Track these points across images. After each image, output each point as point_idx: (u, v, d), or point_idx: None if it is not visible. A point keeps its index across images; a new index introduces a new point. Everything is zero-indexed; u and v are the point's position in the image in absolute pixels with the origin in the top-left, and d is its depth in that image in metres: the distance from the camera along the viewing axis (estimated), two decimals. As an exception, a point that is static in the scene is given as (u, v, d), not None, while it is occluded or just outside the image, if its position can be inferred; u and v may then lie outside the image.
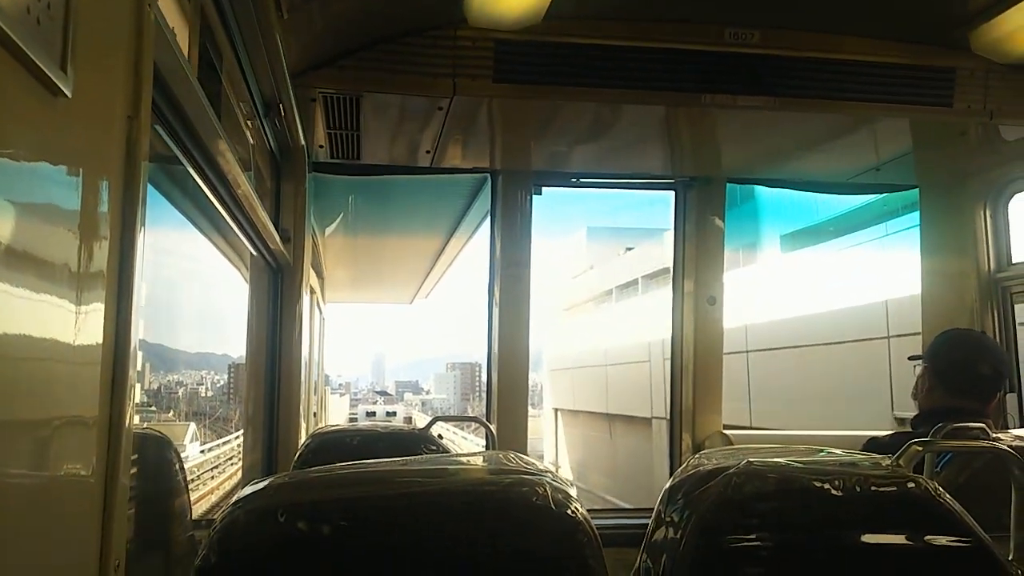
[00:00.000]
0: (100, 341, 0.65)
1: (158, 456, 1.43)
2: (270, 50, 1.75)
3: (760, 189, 3.29)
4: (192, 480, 3.05)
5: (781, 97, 2.38)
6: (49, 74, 0.52)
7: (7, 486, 0.50)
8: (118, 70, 0.69)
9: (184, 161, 1.35)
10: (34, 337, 0.54)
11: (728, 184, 3.22)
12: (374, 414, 26.52)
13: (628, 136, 2.81)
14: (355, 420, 24.19)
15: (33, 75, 0.51)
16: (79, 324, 0.61)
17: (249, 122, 2.09)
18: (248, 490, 0.90)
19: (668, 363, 3.24)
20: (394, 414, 26.95)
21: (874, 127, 2.63)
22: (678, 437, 3.21)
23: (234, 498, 0.89)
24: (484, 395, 3.27)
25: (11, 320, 0.51)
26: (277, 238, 2.26)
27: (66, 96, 0.55)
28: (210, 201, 1.61)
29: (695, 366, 3.17)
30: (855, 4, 2.28)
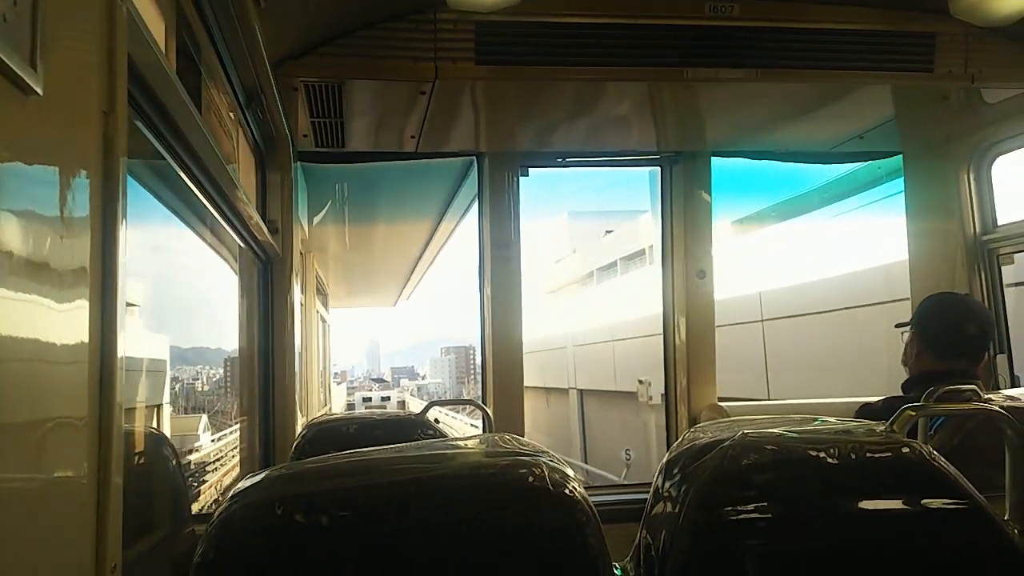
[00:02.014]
0: (86, 340, 0.64)
1: (153, 453, 1.43)
2: (249, 40, 1.73)
3: (716, 176, 3.29)
4: (219, 459, 3.09)
5: (763, 68, 2.37)
6: (19, 72, 0.51)
7: None
8: (91, 66, 0.67)
9: (166, 155, 1.33)
10: (18, 339, 0.54)
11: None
12: (370, 399, 28.44)
13: (612, 113, 2.80)
14: (352, 406, 25.22)
15: (2, 73, 0.50)
16: (63, 324, 0.61)
17: (231, 113, 2.07)
18: (244, 484, 0.90)
19: (578, 350, 3.25)
20: (388, 399, 29.08)
21: (856, 95, 2.63)
22: (674, 411, 3.23)
23: (231, 493, 0.89)
24: (479, 378, 3.28)
25: None
26: (265, 229, 2.24)
27: (38, 94, 0.54)
28: (195, 195, 1.60)
29: (688, 341, 3.19)
30: None
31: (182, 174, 1.43)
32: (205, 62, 1.73)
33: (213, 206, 1.72)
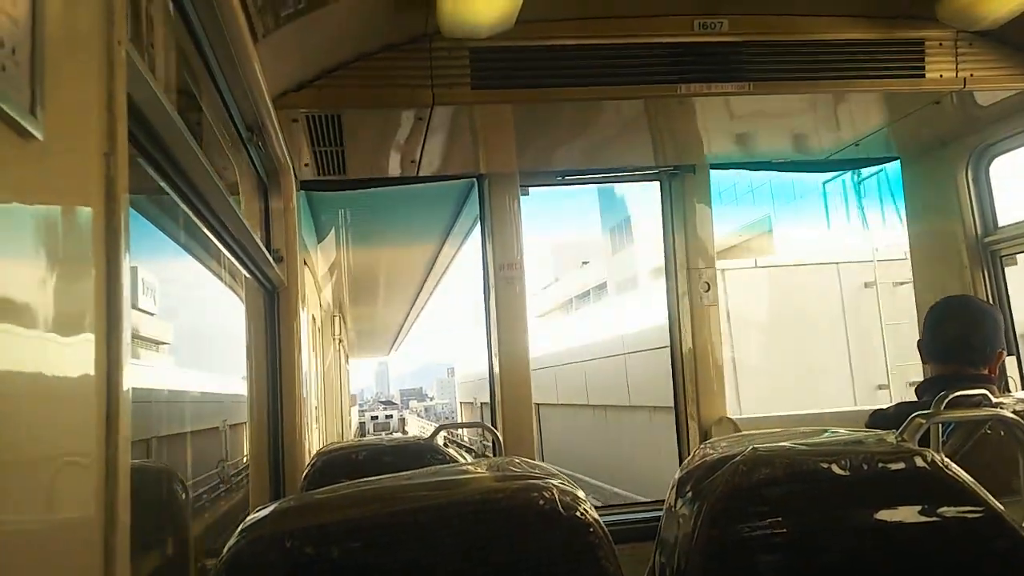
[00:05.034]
0: (92, 374, 0.64)
1: (162, 489, 1.42)
2: (248, 75, 1.76)
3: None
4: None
5: (754, 81, 2.39)
6: (19, 119, 0.52)
7: (1, 534, 0.50)
8: (91, 108, 0.69)
9: (169, 191, 1.35)
10: (24, 379, 0.54)
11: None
12: (377, 418, 33.63)
13: (609, 131, 2.82)
14: (363, 424, 29.35)
15: (2, 120, 0.51)
16: (69, 363, 0.61)
17: (233, 147, 2.09)
18: (253, 517, 0.90)
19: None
20: (391, 416, 34.60)
21: (849, 103, 2.64)
22: (684, 425, 3.21)
23: (239, 527, 0.88)
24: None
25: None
26: (270, 259, 2.26)
27: (38, 139, 0.55)
28: (200, 229, 1.61)
29: (695, 353, 3.17)
30: None
31: (186, 209, 1.45)
32: (206, 98, 1.75)
33: (218, 239, 1.73)
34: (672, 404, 3.30)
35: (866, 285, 8.12)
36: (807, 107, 2.67)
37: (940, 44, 2.45)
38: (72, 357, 0.62)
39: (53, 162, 0.60)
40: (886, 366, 7.89)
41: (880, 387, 7.83)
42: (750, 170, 3.33)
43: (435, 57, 2.28)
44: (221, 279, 2.32)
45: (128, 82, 0.77)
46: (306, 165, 2.80)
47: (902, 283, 7.56)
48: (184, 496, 1.51)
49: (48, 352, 0.58)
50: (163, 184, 1.29)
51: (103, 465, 0.65)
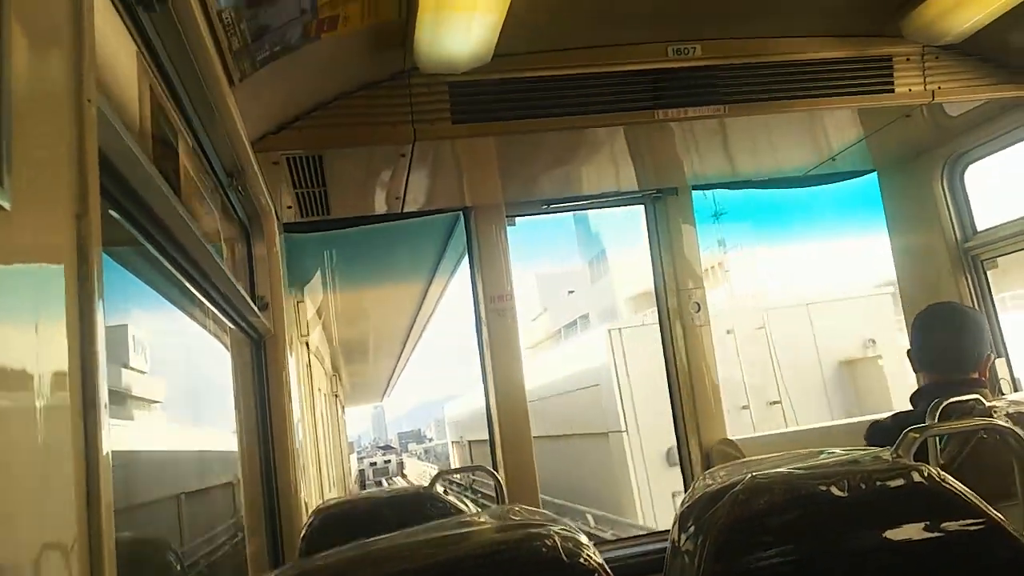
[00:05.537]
0: (68, 439, 0.61)
1: (154, 562, 1.36)
2: (226, 120, 1.74)
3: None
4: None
5: (729, 104, 2.43)
6: None
7: None
8: (61, 171, 0.67)
9: (148, 244, 1.32)
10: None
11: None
12: (375, 463, 33.89)
13: (591, 158, 2.84)
14: (362, 472, 30.12)
15: None
16: (45, 435, 0.59)
17: (213, 193, 2.07)
18: None
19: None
20: (389, 461, 35.06)
21: (822, 120, 2.69)
22: (685, 449, 3.17)
23: None
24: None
25: None
26: (254, 307, 2.21)
27: (5, 209, 0.53)
28: (180, 280, 1.58)
29: (691, 375, 3.16)
30: (786, 7, 2.35)
31: (164, 261, 1.42)
32: (183, 145, 1.74)
33: (199, 290, 1.70)
34: (595, 431, 3.29)
35: (727, 332, 10.59)
36: (782, 126, 2.72)
37: (907, 59, 2.51)
38: (47, 423, 0.60)
39: (22, 230, 0.58)
40: (746, 392, 10.70)
41: (744, 407, 10.52)
42: (731, 189, 3.37)
43: (414, 93, 2.30)
44: (208, 330, 2.28)
45: (100, 138, 0.76)
46: (288, 207, 2.78)
47: (759, 328, 10.98)
48: (178, 567, 1.45)
49: (22, 419, 0.56)
50: (140, 237, 1.26)
51: (86, 544, 0.61)
